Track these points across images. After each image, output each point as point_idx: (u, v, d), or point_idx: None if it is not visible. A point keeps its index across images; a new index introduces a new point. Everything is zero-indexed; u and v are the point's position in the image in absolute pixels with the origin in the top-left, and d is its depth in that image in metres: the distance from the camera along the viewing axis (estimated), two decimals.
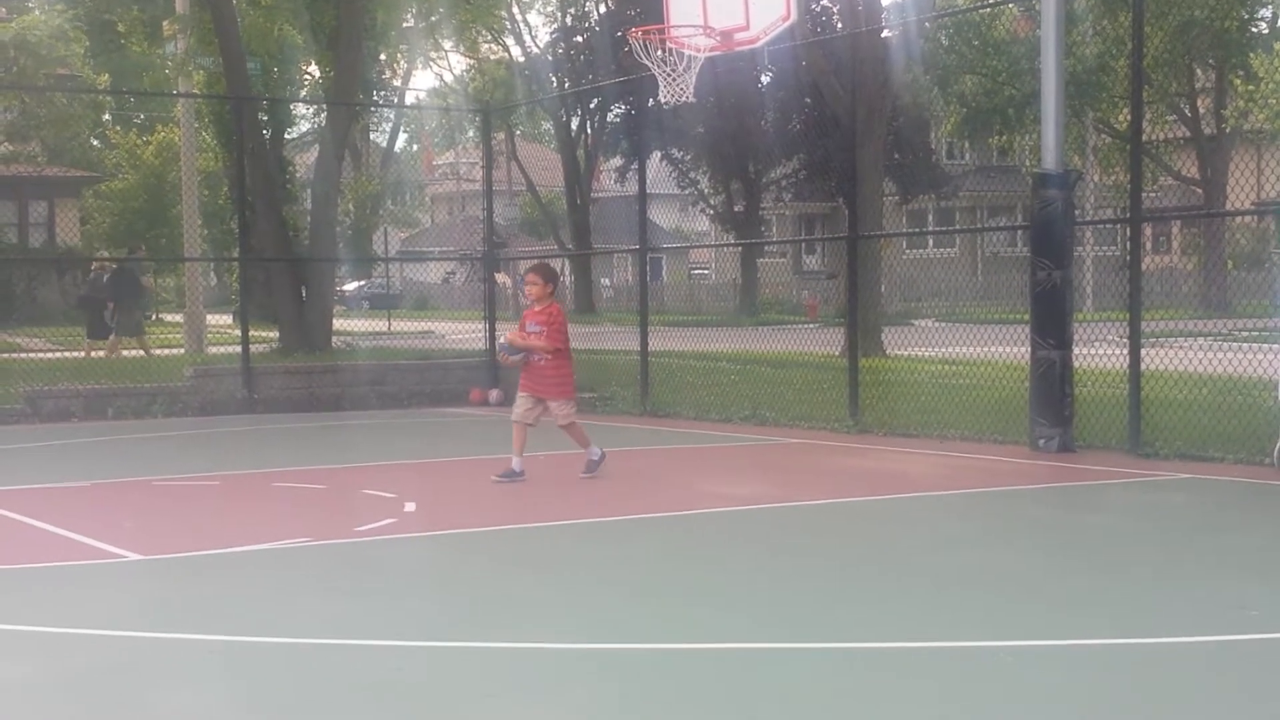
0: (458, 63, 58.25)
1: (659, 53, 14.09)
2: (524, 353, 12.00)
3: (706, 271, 68.75)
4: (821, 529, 9.97)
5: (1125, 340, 13.53)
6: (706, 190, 55.72)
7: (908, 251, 53.48)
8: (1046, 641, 6.66)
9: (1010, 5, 38.99)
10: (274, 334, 23.55)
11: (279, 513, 10.84)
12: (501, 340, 12.76)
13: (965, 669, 6.26)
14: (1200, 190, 44.68)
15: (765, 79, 46.54)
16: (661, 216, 68.89)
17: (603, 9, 52.38)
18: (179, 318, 36.79)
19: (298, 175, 44.98)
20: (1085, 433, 13.65)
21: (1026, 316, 13.96)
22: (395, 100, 56.33)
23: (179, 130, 32.96)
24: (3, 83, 35.10)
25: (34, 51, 35.04)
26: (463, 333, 28.11)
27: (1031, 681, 6.07)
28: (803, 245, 64.37)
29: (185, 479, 12.57)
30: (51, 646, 6.81)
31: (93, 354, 25.91)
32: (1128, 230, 14.32)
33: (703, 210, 58.11)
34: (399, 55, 38.60)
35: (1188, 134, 44.79)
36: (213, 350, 27.27)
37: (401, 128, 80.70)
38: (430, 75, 62.12)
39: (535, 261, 13.65)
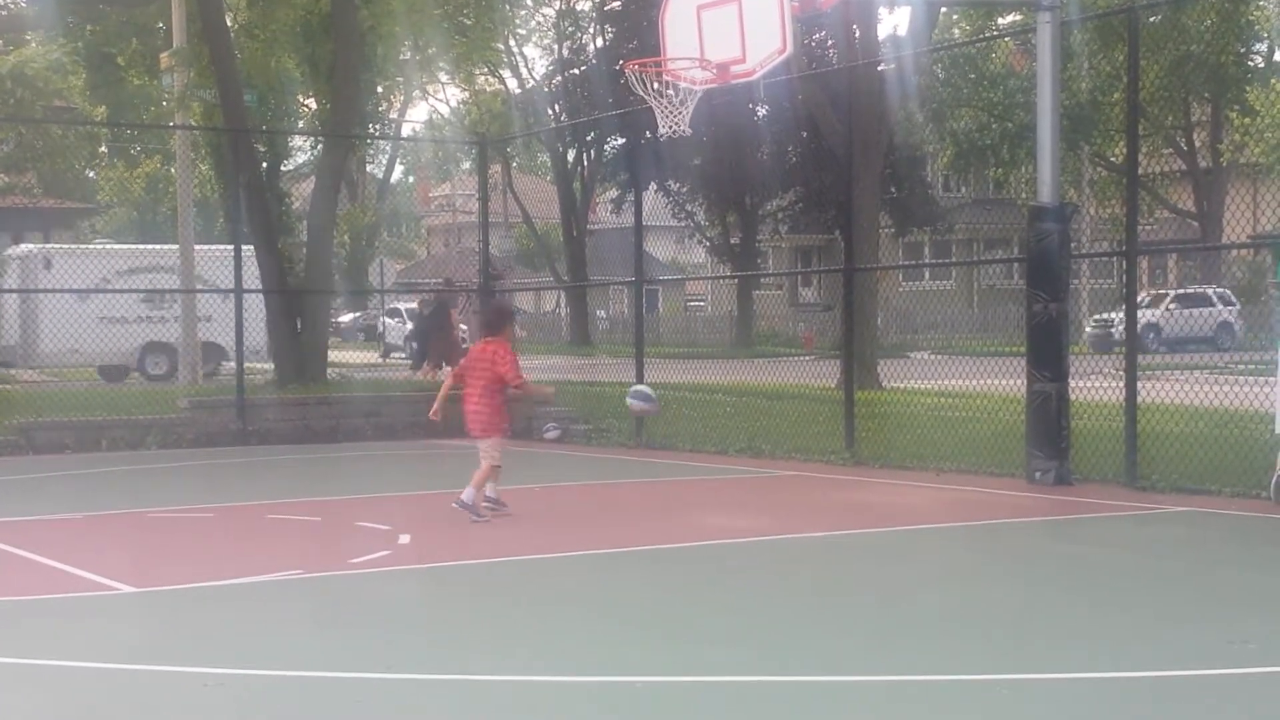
0: (454, 95, 58.39)
1: (655, 85, 14.08)
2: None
3: (702, 303, 68.73)
4: (817, 562, 9.93)
5: (1122, 373, 13.52)
6: (703, 222, 55.75)
7: (904, 284, 53.44)
8: (1042, 675, 6.62)
9: (1006, 39, 39.18)
10: (269, 365, 23.50)
11: (273, 545, 10.80)
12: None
13: (960, 703, 6.22)
14: (1196, 223, 44.76)
15: (761, 112, 46.57)
16: (658, 248, 68.87)
17: (600, 42, 52.48)
18: None
19: (294, 207, 44.98)
20: (1082, 465, 13.61)
21: (1023, 349, 13.95)
22: (392, 132, 56.39)
23: (174, 163, 33.05)
24: None
25: (31, 84, 35.05)
26: None
27: (1027, 715, 6.03)
28: (799, 277, 64.37)
29: (179, 511, 12.53)
30: (45, 679, 6.77)
31: (420, 375, 27.72)
32: (1124, 263, 14.29)
33: (699, 242, 58.10)
34: (396, 88, 38.69)
35: (1184, 167, 44.91)
36: (207, 382, 27.23)
37: (398, 160, 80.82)
38: (427, 107, 62.24)
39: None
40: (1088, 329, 37.56)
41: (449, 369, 25.46)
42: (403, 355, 38.68)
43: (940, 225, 51.02)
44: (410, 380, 25.54)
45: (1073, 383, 13.68)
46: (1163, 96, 37.94)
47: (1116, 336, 35.63)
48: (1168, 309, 37.91)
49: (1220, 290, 39.71)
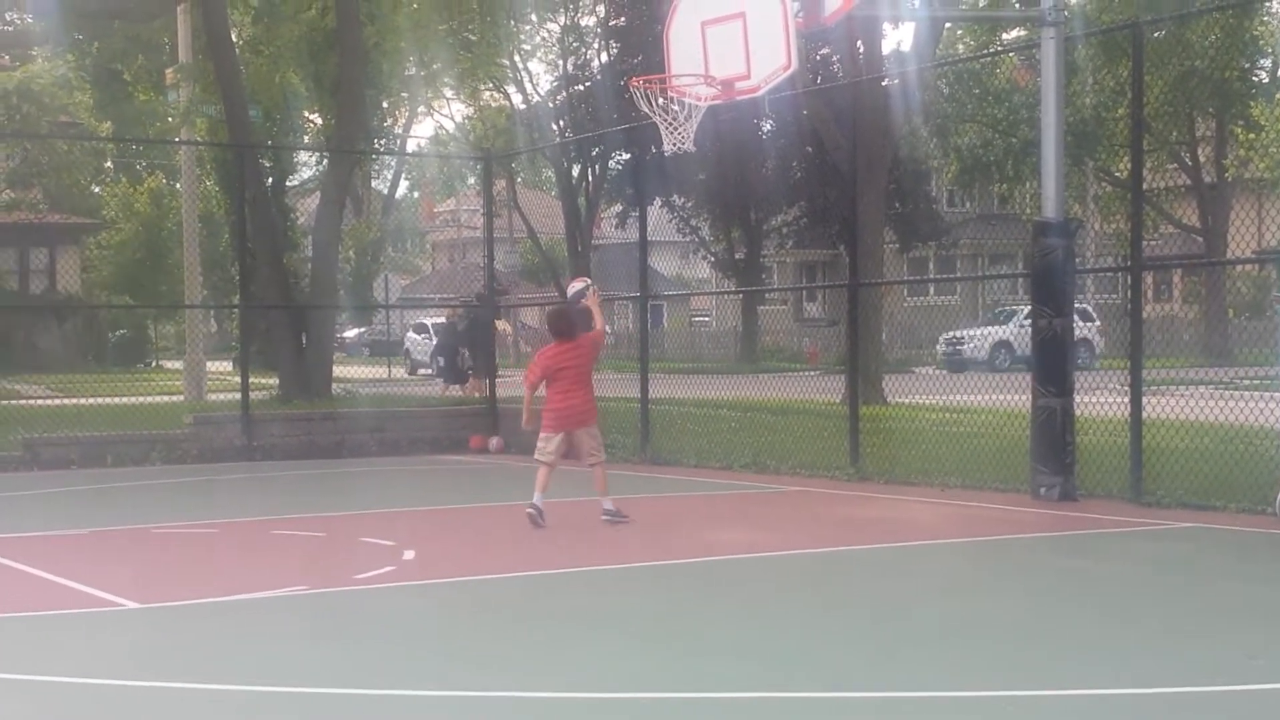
0: (459, 110, 58.43)
1: (660, 101, 14.11)
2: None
3: (707, 318, 68.75)
4: (822, 577, 9.91)
5: (1127, 388, 13.50)
6: (707, 237, 55.78)
7: (909, 299, 53.44)
8: (1047, 691, 6.60)
9: (1010, 55, 39.18)
10: (274, 381, 23.51)
11: (277, 561, 10.79)
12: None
13: (966, 718, 6.21)
14: (1201, 238, 44.72)
15: (766, 127, 46.63)
16: (662, 263, 68.88)
17: (604, 58, 52.52)
18: (179, 365, 36.82)
19: (299, 222, 45.04)
20: (1087, 481, 13.59)
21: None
22: (397, 147, 56.46)
23: (179, 177, 33.13)
24: (5, 130, 35.19)
25: (37, 100, 35.17)
26: None
27: None
28: (804, 293, 64.40)
29: (184, 526, 12.52)
30: (48, 695, 6.76)
31: (447, 393, 27.28)
32: (1129, 278, 14.28)
33: (704, 257, 58.17)
34: (401, 103, 38.74)
35: (1189, 182, 44.87)
36: (212, 397, 27.23)
37: (403, 175, 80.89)
38: (432, 123, 61.99)
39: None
40: (939, 348, 37.57)
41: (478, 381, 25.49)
42: (429, 371, 38.51)
43: (945, 240, 51.04)
44: (414, 396, 25.51)
45: (1077, 398, 13.68)
46: (1167, 112, 37.92)
47: (967, 355, 35.80)
48: (1021, 325, 37.03)
49: (1079, 307, 39.21)
